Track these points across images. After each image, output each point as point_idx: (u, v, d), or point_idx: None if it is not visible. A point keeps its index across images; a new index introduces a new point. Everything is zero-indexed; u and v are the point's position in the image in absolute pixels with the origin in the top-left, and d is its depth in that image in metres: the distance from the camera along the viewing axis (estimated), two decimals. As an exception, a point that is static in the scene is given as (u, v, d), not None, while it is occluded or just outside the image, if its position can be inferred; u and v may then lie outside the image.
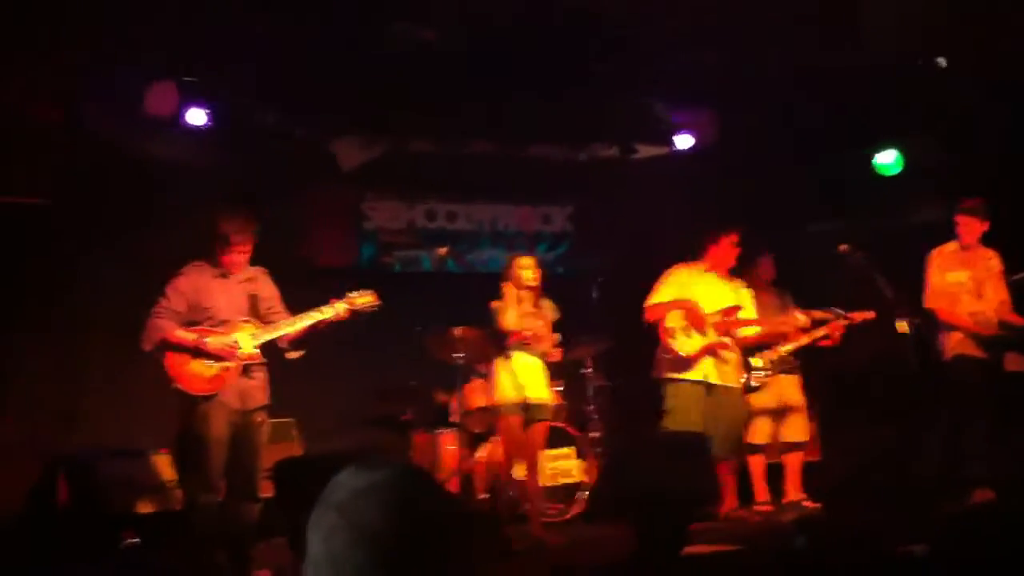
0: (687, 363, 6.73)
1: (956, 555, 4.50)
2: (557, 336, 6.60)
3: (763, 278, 7.39)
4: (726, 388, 6.80)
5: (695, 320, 6.71)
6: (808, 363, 7.36)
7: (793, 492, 7.18)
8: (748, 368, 7.09)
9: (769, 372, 7.16)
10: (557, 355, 6.60)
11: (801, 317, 7.02)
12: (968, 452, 6.46)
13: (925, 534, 4.60)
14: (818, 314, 7.07)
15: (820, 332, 7.13)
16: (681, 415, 6.60)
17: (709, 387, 6.75)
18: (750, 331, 6.91)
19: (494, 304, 6.33)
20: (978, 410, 6.59)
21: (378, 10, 6.42)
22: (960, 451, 6.49)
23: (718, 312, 6.79)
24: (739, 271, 7.12)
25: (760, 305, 7.16)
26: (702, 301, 6.80)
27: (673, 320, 6.74)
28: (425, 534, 1.56)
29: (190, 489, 5.30)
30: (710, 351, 6.73)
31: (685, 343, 6.72)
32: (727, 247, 6.86)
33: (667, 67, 7.37)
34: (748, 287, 7.12)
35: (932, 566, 4.34)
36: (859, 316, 7.00)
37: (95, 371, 7.56)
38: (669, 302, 6.78)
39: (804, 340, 7.16)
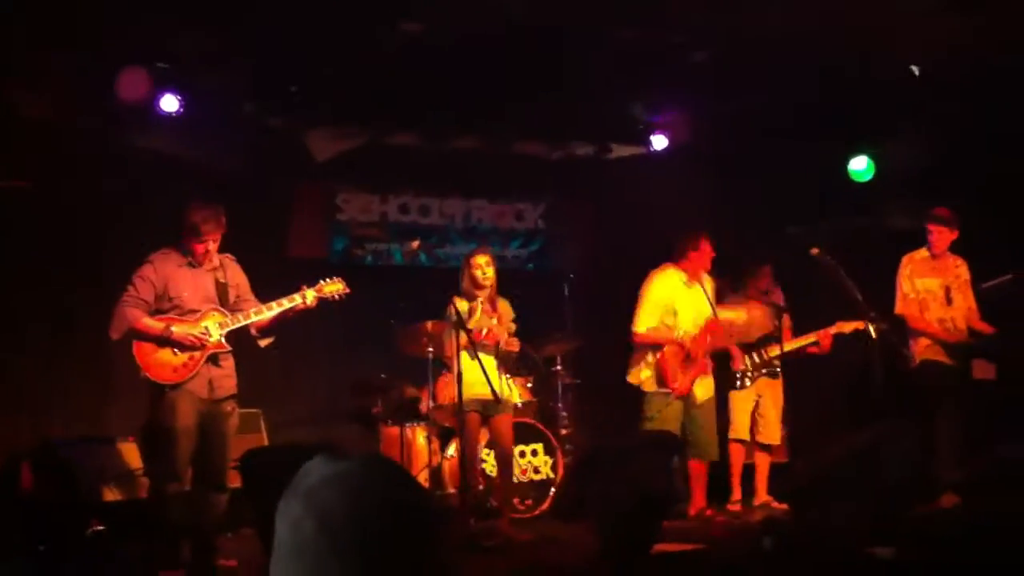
0: (679, 393, 6.83)
1: (922, 558, 4.54)
2: (512, 326, 6.62)
3: (759, 287, 7.44)
4: (704, 399, 6.93)
5: (693, 356, 6.81)
6: (786, 368, 7.41)
7: (762, 493, 7.28)
8: (735, 370, 7.17)
9: (753, 374, 7.24)
10: (514, 344, 6.61)
11: (741, 315, 7.14)
12: (935, 457, 6.53)
13: (892, 537, 4.65)
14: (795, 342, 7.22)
15: (809, 339, 7.20)
16: (661, 423, 6.67)
17: (690, 401, 6.87)
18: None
19: (452, 307, 6.28)
20: (945, 415, 6.67)
21: (362, 2, 6.37)
22: (927, 456, 6.55)
23: (702, 333, 6.85)
24: (738, 280, 7.23)
25: (750, 314, 7.27)
26: (684, 313, 6.89)
27: (672, 358, 6.83)
28: (391, 525, 1.55)
29: (157, 478, 5.26)
30: (696, 377, 6.86)
31: (681, 380, 6.81)
32: (706, 251, 6.90)
33: (644, 67, 7.37)
34: (742, 295, 7.30)
35: (898, 569, 4.38)
36: (848, 326, 7.06)
37: (64, 359, 7.47)
38: (659, 336, 6.84)
39: (793, 346, 7.21)
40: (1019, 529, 4.22)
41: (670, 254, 7.02)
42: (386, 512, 1.55)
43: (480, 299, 6.37)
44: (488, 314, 6.35)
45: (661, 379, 6.81)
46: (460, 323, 6.07)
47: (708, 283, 7.07)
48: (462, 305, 6.29)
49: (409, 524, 1.56)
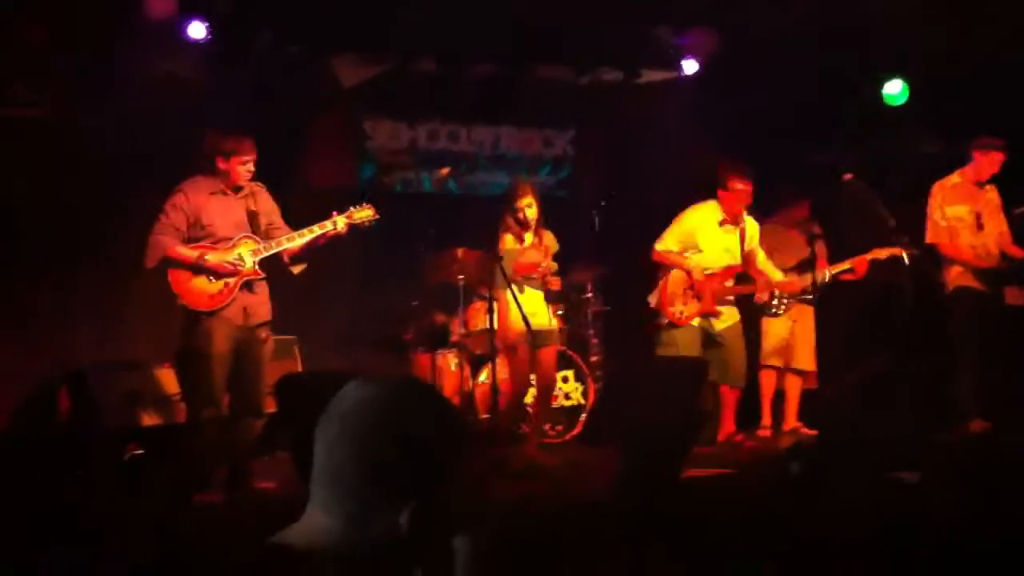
0: (678, 323, 6.87)
1: (948, 483, 4.58)
2: (555, 265, 6.63)
3: (794, 218, 7.39)
4: (725, 326, 6.94)
5: (698, 287, 6.84)
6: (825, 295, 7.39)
7: (791, 419, 7.32)
8: (771, 295, 7.13)
9: (789, 300, 7.21)
10: (556, 283, 6.64)
11: (777, 275, 7.08)
12: (965, 383, 6.54)
13: (917, 462, 4.69)
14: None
15: (843, 266, 7.14)
16: (671, 349, 6.75)
17: (706, 332, 6.90)
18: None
19: (501, 243, 6.29)
20: (972, 342, 6.66)
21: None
22: (958, 382, 6.56)
23: (718, 275, 6.87)
24: (767, 212, 7.18)
25: (780, 244, 7.28)
26: (708, 252, 6.89)
27: (675, 283, 6.82)
28: (424, 448, 1.58)
29: (193, 404, 5.34)
30: (702, 314, 6.89)
31: (682, 310, 6.85)
32: (737, 190, 6.81)
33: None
34: (774, 225, 7.28)
35: (923, 493, 4.42)
36: (884, 252, 6.98)
37: (89, 287, 7.57)
38: (678, 258, 6.86)
39: (829, 273, 7.18)
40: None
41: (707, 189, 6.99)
42: (419, 435, 1.59)
43: (527, 234, 6.36)
44: (536, 248, 6.37)
45: (658, 302, 6.84)
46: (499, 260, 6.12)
47: (752, 226, 7.01)
48: (508, 240, 6.29)
49: (442, 447, 1.60)
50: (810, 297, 7.30)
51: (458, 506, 1.65)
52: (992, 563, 3.00)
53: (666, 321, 6.84)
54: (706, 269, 6.84)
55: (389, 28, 7.87)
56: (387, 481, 1.55)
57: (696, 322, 6.85)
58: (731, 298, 6.97)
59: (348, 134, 8.93)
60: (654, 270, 7.08)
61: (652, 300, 6.96)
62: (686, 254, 6.86)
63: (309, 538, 1.60)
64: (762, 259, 7.03)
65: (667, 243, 6.87)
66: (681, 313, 6.81)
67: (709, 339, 6.87)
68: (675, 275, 6.81)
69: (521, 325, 6.08)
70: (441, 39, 8.17)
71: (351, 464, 1.57)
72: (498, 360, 6.40)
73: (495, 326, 6.26)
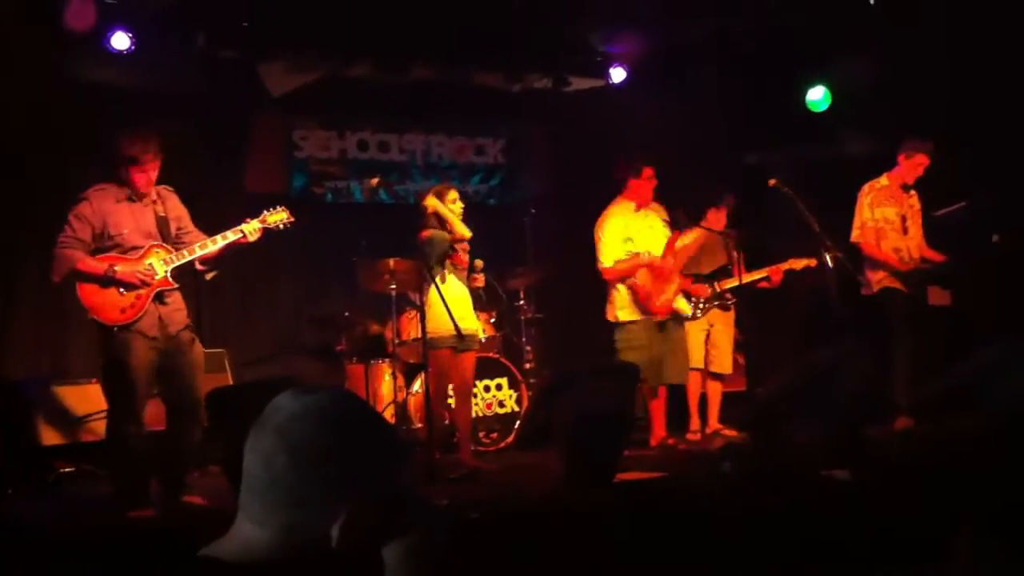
0: (665, 311, 6.95)
1: (877, 480, 4.67)
2: (480, 262, 6.66)
3: (719, 219, 7.51)
4: (682, 318, 7.09)
5: (663, 273, 6.87)
6: (743, 295, 7.51)
7: (713, 421, 7.43)
8: (688, 299, 7.26)
9: (706, 305, 7.34)
10: (479, 281, 6.66)
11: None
12: (891, 381, 6.67)
13: (847, 459, 4.77)
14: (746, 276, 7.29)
15: (760, 274, 7.30)
16: (629, 354, 6.74)
17: (668, 320, 6.98)
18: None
19: (425, 234, 6.29)
20: (901, 341, 6.80)
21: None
22: (882, 380, 6.69)
23: (666, 251, 6.98)
24: (694, 216, 7.29)
25: (706, 249, 7.44)
26: (640, 240, 6.97)
27: (643, 278, 6.87)
28: (361, 455, 1.58)
29: (115, 419, 5.18)
30: (679, 292, 7.01)
31: (663, 298, 6.91)
32: (647, 178, 6.96)
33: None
34: (701, 228, 7.37)
35: (854, 490, 4.50)
36: (799, 263, 7.18)
37: (23, 299, 7.41)
38: (631, 261, 6.90)
39: (740, 281, 7.30)
40: (968, 451, 4.34)
41: (616, 185, 7.08)
42: (356, 443, 1.59)
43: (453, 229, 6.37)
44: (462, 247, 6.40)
45: (639, 304, 6.89)
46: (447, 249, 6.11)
47: (660, 211, 7.13)
48: (432, 201, 6.30)
49: (378, 454, 1.60)
50: (728, 302, 7.43)
51: (389, 515, 1.64)
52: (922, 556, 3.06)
53: (642, 319, 6.88)
54: (650, 254, 6.94)
55: (319, 35, 7.83)
56: (324, 491, 1.55)
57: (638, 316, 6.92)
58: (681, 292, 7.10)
59: (280, 142, 8.85)
60: (587, 276, 7.11)
61: (612, 315, 6.98)
62: (628, 250, 6.92)
63: (242, 551, 1.58)
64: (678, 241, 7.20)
65: (611, 255, 6.91)
66: (665, 301, 6.93)
67: (659, 333, 6.93)
68: (641, 275, 6.87)
69: (444, 327, 6.08)
70: (371, 47, 8.15)
71: (289, 475, 1.56)
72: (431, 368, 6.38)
73: (429, 333, 6.25)
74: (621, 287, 6.93)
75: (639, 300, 6.88)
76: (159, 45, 7.44)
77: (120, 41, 7.28)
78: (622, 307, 6.92)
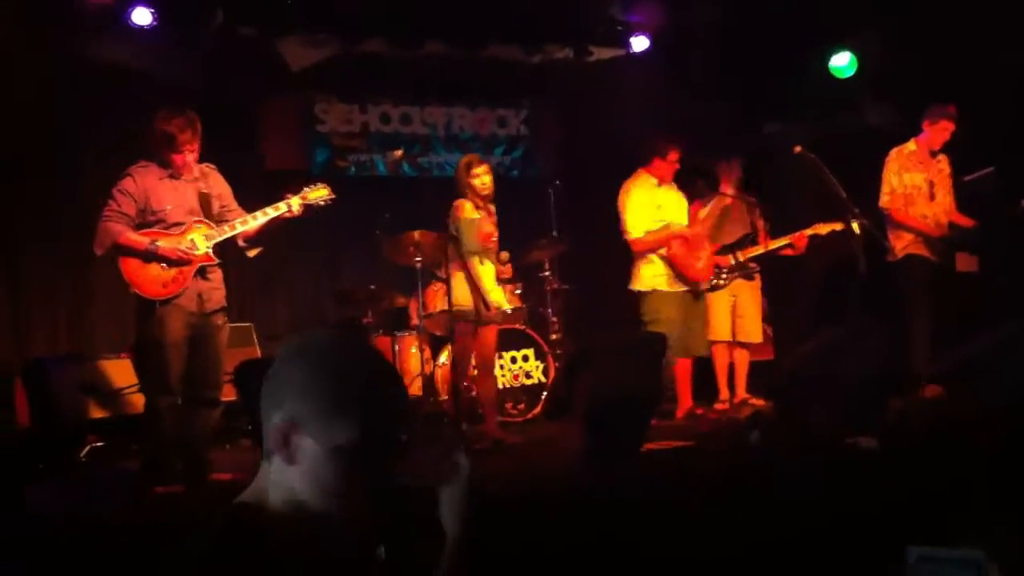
0: (704, 278, 7.04)
1: (904, 448, 4.66)
2: (506, 254, 6.66)
3: (731, 183, 7.47)
4: (704, 292, 7.11)
5: (695, 242, 6.92)
6: (770, 266, 7.48)
7: (741, 391, 7.41)
8: (713, 270, 7.25)
9: (728, 276, 7.30)
10: (507, 272, 6.69)
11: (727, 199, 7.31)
12: (915, 350, 6.63)
13: (875, 428, 4.76)
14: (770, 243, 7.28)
15: (783, 240, 7.24)
16: (659, 325, 6.73)
17: (697, 293, 7.02)
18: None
19: (461, 216, 6.27)
20: (927, 308, 6.75)
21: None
22: (910, 348, 6.65)
23: (693, 223, 7.03)
24: (709, 184, 7.27)
25: (726, 214, 7.37)
26: (668, 209, 6.97)
27: (679, 250, 6.90)
28: (352, 388, 1.62)
29: (149, 392, 5.25)
30: (711, 261, 7.07)
31: (700, 266, 6.97)
32: (671, 161, 6.95)
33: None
34: (715, 196, 7.34)
35: (881, 458, 4.49)
36: (825, 228, 7.11)
37: (45, 279, 7.48)
38: (662, 233, 6.89)
39: (766, 248, 7.26)
40: (992, 419, 4.32)
41: (639, 158, 7.05)
42: (345, 377, 1.64)
43: (480, 206, 6.34)
44: (491, 221, 6.36)
45: (679, 274, 6.92)
46: (452, 236, 6.11)
47: (676, 189, 7.14)
48: (469, 207, 6.26)
49: (370, 388, 1.64)
50: (752, 271, 7.40)
51: (418, 478, 1.68)
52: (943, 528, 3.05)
53: (677, 290, 6.92)
54: (679, 224, 6.97)
55: (337, 10, 7.81)
56: (321, 419, 1.60)
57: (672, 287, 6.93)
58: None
59: (300, 117, 8.87)
60: (612, 247, 7.10)
61: (638, 284, 6.97)
62: (656, 222, 6.91)
63: (254, 489, 1.65)
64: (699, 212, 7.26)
65: (640, 226, 6.88)
66: (703, 267, 7.02)
67: (688, 305, 6.94)
68: (676, 245, 6.89)
69: (466, 301, 6.10)
70: (390, 20, 8.13)
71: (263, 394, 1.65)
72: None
73: (453, 307, 6.26)
74: (654, 257, 6.91)
75: (679, 271, 6.89)
76: (178, 22, 7.45)
77: (142, 17, 7.31)
78: (656, 276, 6.91)
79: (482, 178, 6.29)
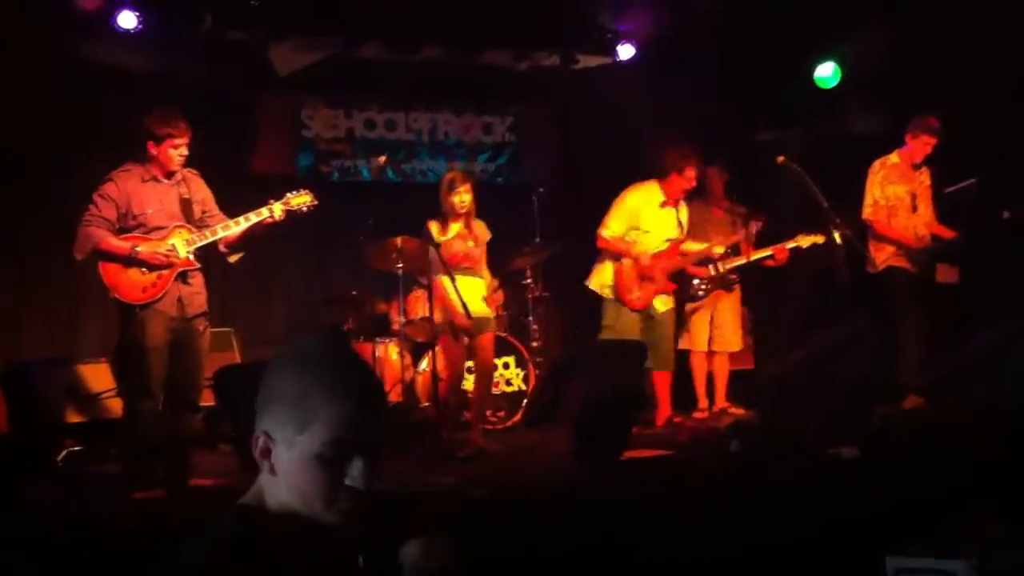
0: (635, 307, 6.88)
1: (885, 458, 4.68)
2: (495, 282, 6.63)
3: (714, 192, 7.48)
4: (662, 311, 6.98)
5: (647, 272, 6.84)
6: (751, 275, 7.49)
7: (721, 399, 7.42)
8: (690, 282, 7.23)
9: (708, 287, 7.31)
10: (496, 299, 6.65)
11: (719, 249, 7.20)
12: (899, 360, 6.65)
13: (856, 438, 4.77)
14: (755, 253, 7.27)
15: (764, 252, 7.25)
16: (618, 333, 6.75)
17: (648, 313, 6.93)
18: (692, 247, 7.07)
19: (432, 228, 6.26)
20: (909, 320, 6.77)
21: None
22: (891, 359, 6.67)
23: (663, 254, 6.91)
24: (693, 191, 7.25)
25: (710, 221, 7.35)
26: (651, 232, 6.90)
27: (627, 272, 6.84)
28: (318, 397, 1.61)
29: (130, 396, 5.23)
30: (657, 295, 6.91)
31: (637, 295, 6.85)
32: (687, 179, 6.88)
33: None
34: (697, 205, 7.29)
35: (862, 468, 4.51)
36: (806, 240, 7.11)
37: (35, 281, 7.44)
38: (625, 246, 6.86)
39: (747, 260, 7.27)
40: (975, 429, 4.35)
41: (656, 168, 7.00)
42: (329, 379, 1.63)
43: (455, 223, 6.32)
44: (463, 237, 6.33)
45: (615, 291, 6.88)
46: (436, 247, 6.09)
47: (683, 211, 7.09)
48: (435, 229, 6.25)
49: (348, 391, 1.63)
50: (732, 283, 7.41)
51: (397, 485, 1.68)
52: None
53: (612, 301, 6.85)
54: (651, 252, 6.87)
55: (326, 14, 7.80)
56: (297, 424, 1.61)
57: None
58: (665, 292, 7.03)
59: (287, 122, 8.86)
60: (594, 255, 7.10)
61: (593, 284, 6.97)
62: (630, 235, 6.88)
63: (252, 493, 1.67)
64: (688, 243, 7.13)
65: (612, 228, 6.87)
66: (638, 298, 6.85)
67: (646, 320, 6.91)
68: (626, 264, 6.84)
69: (457, 311, 6.08)
70: (377, 25, 8.12)
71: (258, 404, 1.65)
72: (438, 348, 6.39)
73: (434, 313, 6.25)
74: (610, 264, 6.91)
75: (616, 288, 6.87)
76: (165, 25, 7.43)
77: (127, 20, 7.28)
78: (604, 284, 6.92)
79: (461, 196, 6.26)
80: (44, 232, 7.28)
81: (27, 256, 7.41)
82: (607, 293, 6.90)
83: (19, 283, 7.40)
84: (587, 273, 7.07)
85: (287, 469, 1.61)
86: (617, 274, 6.86)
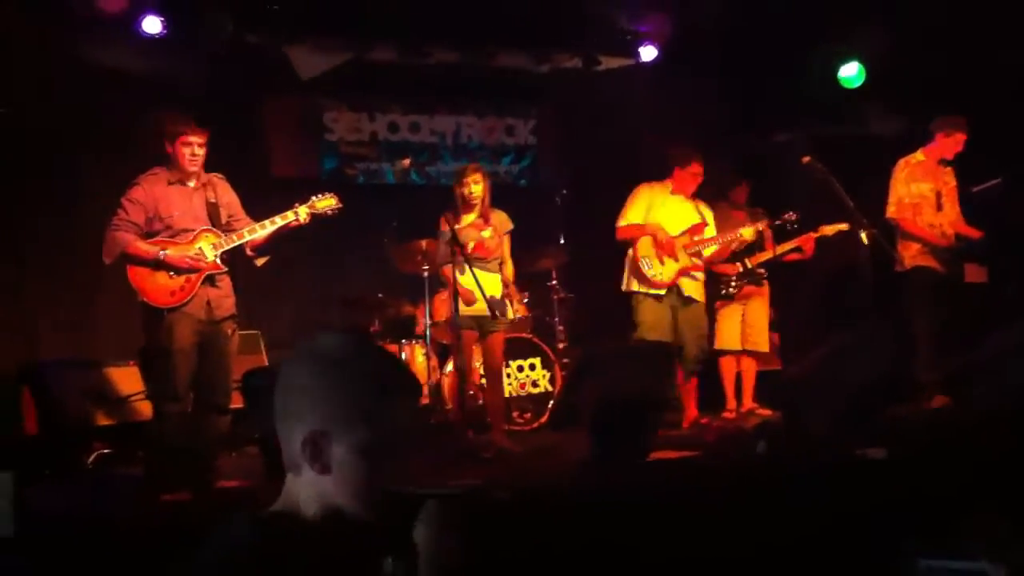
0: (659, 285, 6.80)
1: (913, 458, 4.64)
2: (524, 295, 6.61)
3: (737, 201, 7.49)
4: (693, 301, 6.92)
5: (666, 247, 6.77)
6: (776, 275, 7.47)
7: (748, 400, 7.40)
8: (719, 280, 7.22)
9: (737, 283, 7.30)
10: (521, 310, 6.63)
11: (747, 231, 7.14)
12: (925, 359, 6.61)
13: (883, 438, 4.74)
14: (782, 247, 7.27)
15: (791, 245, 7.24)
16: (651, 329, 6.71)
17: (679, 301, 6.86)
18: (710, 249, 7.01)
19: (443, 225, 6.28)
20: (934, 319, 6.73)
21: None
22: (918, 358, 6.63)
23: (684, 233, 6.86)
24: (713, 194, 7.22)
25: (730, 219, 7.33)
26: (667, 221, 6.88)
27: (644, 248, 6.79)
28: (373, 391, 1.65)
29: (158, 399, 5.26)
30: (684, 274, 6.84)
31: (660, 271, 6.79)
32: (692, 173, 6.90)
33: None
34: (720, 207, 7.28)
35: (889, 468, 4.48)
36: (831, 229, 7.11)
37: (54, 284, 7.49)
38: (640, 225, 6.84)
39: (774, 253, 7.26)
40: (999, 427, 4.31)
41: (662, 168, 7.02)
42: (352, 380, 1.66)
43: (468, 214, 6.34)
44: (478, 227, 6.32)
45: (638, 272, 6.82)
46: (454, 239, 6.05)
47: (705, 208, 7.08)
48: (446, 219, 6.26)
49: (372, 389, 1.66)
50: (760, 278, 7.38)
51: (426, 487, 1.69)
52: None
53: (652, 294, 6.82)
54: (667, 230, 6.86)
55: (347, 17, 7.84)
56: (292, 418, 1.65)
57: (664, 295, 6.83)
58: (699, 276, 6.97)
59: (309, 125, 8.91)
60: (619, 255, 7.09)
61: (625, 286, 6.95)
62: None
63: (282, 502, 1.66)
64: (709, 229, 7.08)
65: (629, 218, 6.87)
66: (659, 275, 6.78)
67: (679, 312, 6.87)
68: (641, 243, 6.80)
69: (467, 309, 6.08)
70: (399, 28, 8.15)
71: (276, 406, 1.67)
72: (462, 343, 6.37)
73: (458, 314, 6.25)
74: (630, 253, 6.89)
75: (636, 267, 6.80)
76: (188, 30, 7.47)
77: (152, 25, 7.34)
78: (630, 276, 6.89)
79: (470, 187, 6.26)
80: (58, 233, 7.33)
81: (42, 258, 7.45)
82: (635, 287, 6.86)
83: (34, 285, 7.44)
84: (615, 276, 7.06)
85: (344, 465, 1.64)
86: (635, 256, 6.81)
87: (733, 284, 7.31)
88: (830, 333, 6.35)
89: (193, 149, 5.23)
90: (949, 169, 7.03)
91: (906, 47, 7.60)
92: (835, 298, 7.93)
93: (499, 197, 6.56)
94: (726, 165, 7.66)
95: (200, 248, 5.19)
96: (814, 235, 7.21)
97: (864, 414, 4.70)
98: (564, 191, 8.16)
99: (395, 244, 6.90)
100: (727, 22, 7.97)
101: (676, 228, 6.89)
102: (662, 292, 6.79)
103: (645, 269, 6.76)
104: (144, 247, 5.12)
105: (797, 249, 7.28)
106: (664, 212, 6.88)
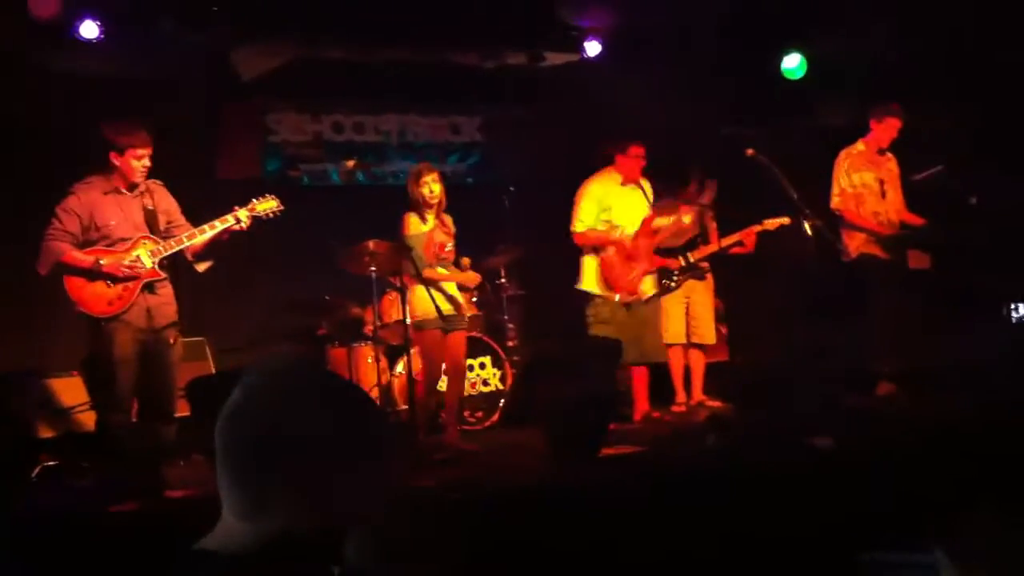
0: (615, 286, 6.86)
1: (860, 447, 4.70)
2: (467, 260, 6.70)
3: (688, 192, 7.50)
4: (650, 295, 6.97)
5: (630, 254, 6.80)
6: (719, 267, 7.51)
7: (698, 392, 7.43)
8: (661, 274, 7.25)
9: (679, 277, 7.32)
10: (472, 309, 6.68)
11: (687, 219, 7.24)
12: (872, 347, 6.69)
13: (830, 428, 4.79)
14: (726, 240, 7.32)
15: (733, 239, 7.29)
16: (604, 324, 6.74)
17: (627, 304, 6.91)
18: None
19: (407, 233, 6.24)
20: (882, 307, 6.81)
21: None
22: (869, 346, 6.70)
23: (637, 233, 6.90)
24: (675, 189, 7.25)
25: (679, 222, 7.34)
26: (621, 214, 6.94)
27: (613, 261, 6.84)
28: (312, 418, 1.57)
29: (102, 410, 5.20)
30: (643, 275, 6.91)
31: (631, 280, 6.86)
32: (633, 156, 6.94)
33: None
34: (675, 199, 7.30)
35: (837, 457, 4.52)
36: (773, 223, 7.17)
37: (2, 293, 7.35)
38: (599, 235, 6.87)
39: (717, 247, 7.30)
40: (947, 417, 4.38)
41: (603, 159, 7.06)
42: (309, 416, 1.56)
43: (429, 214, 6.31)
44: (444, 229, 6.33)
45: (606, 282, 6.86)
46: (407, 248, 6.06)
47: (647, 185, 7.11)
48: (414, 221, 6.25)
49: (340, 419, 1.56)
50: (703, 272, 7.43)
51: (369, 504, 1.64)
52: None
53: (609, 295, 6.83)
54: (624, 231, 6.89)
55: (289, 17, 7.75)
56: (284, 469, 1.53)
57: (617, 297, 6.87)
58: (652, 272, 7.02)
59: (252, 127, 8.79)
60: (568, 252, 7.09)
61: (582, 284, 6.96)
62: (602, 224, 6.89)
63: (220, 541, 1.58)
64: (657, 220, 7.13)
65: (583, 220, 6.89)
66: (631, 281, 6.86)
67: (633, 310, 6.90)
68: (610, 252, 6.84)
69: (430, 310, 6.05)
70: (342, 27, 8.08)
71: (247, 461, 1.55)
72: (413, 350, 6.36)
73: (408, 316, 6.23)
74: (589, 258, 6.92)
75: (606, 278, 6.86)
76: (127, 33, 7.35)
77: (89, 30, 7.20)
78: (588, 279, 6.92)
79: (430, 186, 6.24)
80: (11, 243, 7.18)
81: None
82: (597, 289, 6.89)
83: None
84: (564, 273, 7.06)
85: None
86: (604, 265, 6.86)
87: (675, 278, 7.33)
88: (781, 325, 6.43)
89: (144, 161, 5.16)
90: (891, 156, 7.12)
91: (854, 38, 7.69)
92: (786, 290, 8.00)
93: (447, 196, 6.52)
94: (678, 156, 7.68)
95: (138, 256, 5.12)
96: (756, 229, 7.26)
97: (819, 405, 4.76)
98: (512, 188, 8.14)
99: (342, 245, 6.82)
100: (672, 17, 7.99)
101: (634, 221, 6.94)
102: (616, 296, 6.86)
103: (617, 282, 6.86)
104: (79, 256, 5.04)
105: (739, 243, 7.33)
106: (619, 208, 6.93)
